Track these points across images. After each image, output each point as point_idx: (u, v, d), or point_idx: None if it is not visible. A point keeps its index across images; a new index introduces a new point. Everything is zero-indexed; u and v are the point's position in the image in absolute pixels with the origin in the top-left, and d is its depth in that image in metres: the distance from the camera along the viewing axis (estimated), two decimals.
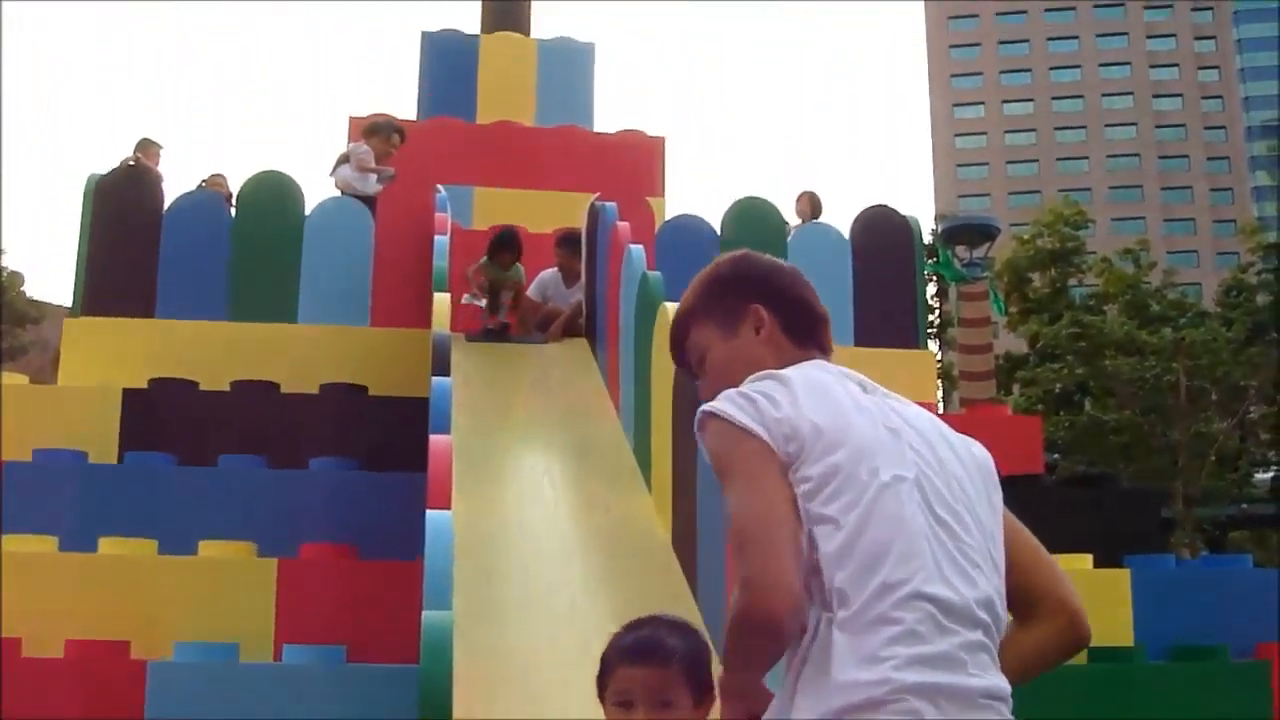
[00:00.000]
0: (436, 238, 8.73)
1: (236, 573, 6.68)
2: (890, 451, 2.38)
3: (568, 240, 10.40)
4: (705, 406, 2.46)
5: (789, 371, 2.48)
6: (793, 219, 12.08)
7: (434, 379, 6.33)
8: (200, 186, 11.42)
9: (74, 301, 9.81)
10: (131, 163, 11.30)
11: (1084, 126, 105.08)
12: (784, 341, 2.67)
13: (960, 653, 2.23)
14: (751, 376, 2.51)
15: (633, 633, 3.04)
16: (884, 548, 2.25)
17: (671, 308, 6.84)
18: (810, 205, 12.96)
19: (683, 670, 2.93)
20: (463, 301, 9.54)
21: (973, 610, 2.27)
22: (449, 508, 5.03)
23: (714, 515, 5.59)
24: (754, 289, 2.71)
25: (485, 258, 10.01)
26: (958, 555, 2.31)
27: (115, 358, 9.11)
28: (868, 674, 2.16)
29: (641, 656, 2.97)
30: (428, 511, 4.92)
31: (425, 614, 3.98)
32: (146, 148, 11.83)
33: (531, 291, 10.33)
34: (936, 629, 2.22)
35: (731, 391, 2.45)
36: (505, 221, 10.80)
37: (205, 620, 6.53)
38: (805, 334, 2.69)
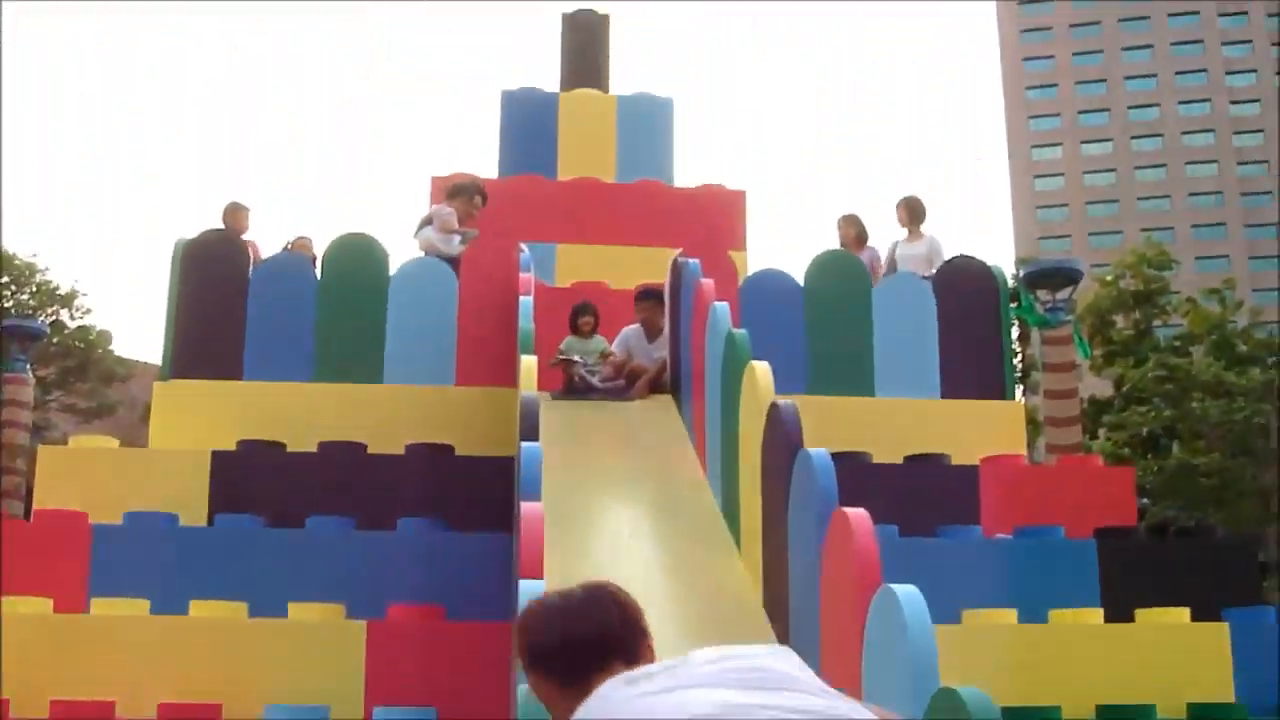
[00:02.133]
0: (521, 298, 8.77)
1: (326, 635, 6.72)
2: None
3: (649, 295, 10.43)
4: None
5: None
6: (896, 231, 11.92)
7: (523, 444, 6.31)
8: (286, 249, 11.54)
9: (163, 364, 9.95)
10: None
11: (1164, 165, 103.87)
12: (554, 694, 2.42)
13: None
14: None
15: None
16: None
17: (760, 366, 6.81)
18: (908, 211, 11.99)
19: None
20: (549, 365, 9.53)
21: None
22: (541, 577, 5.01)
23: (807, 576, 5.53)
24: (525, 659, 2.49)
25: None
26: None
27: (204, 420, 9.23)
28: None
29: None
30: (520, 581, 4.90)
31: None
32: (235, 211, 11.94)
33: (615, 347, 10.36)
34: None
35: None
36: (588, 279, 10.86)
37: (296, 682, 6.58)
38: (578, 674, 2.39)
